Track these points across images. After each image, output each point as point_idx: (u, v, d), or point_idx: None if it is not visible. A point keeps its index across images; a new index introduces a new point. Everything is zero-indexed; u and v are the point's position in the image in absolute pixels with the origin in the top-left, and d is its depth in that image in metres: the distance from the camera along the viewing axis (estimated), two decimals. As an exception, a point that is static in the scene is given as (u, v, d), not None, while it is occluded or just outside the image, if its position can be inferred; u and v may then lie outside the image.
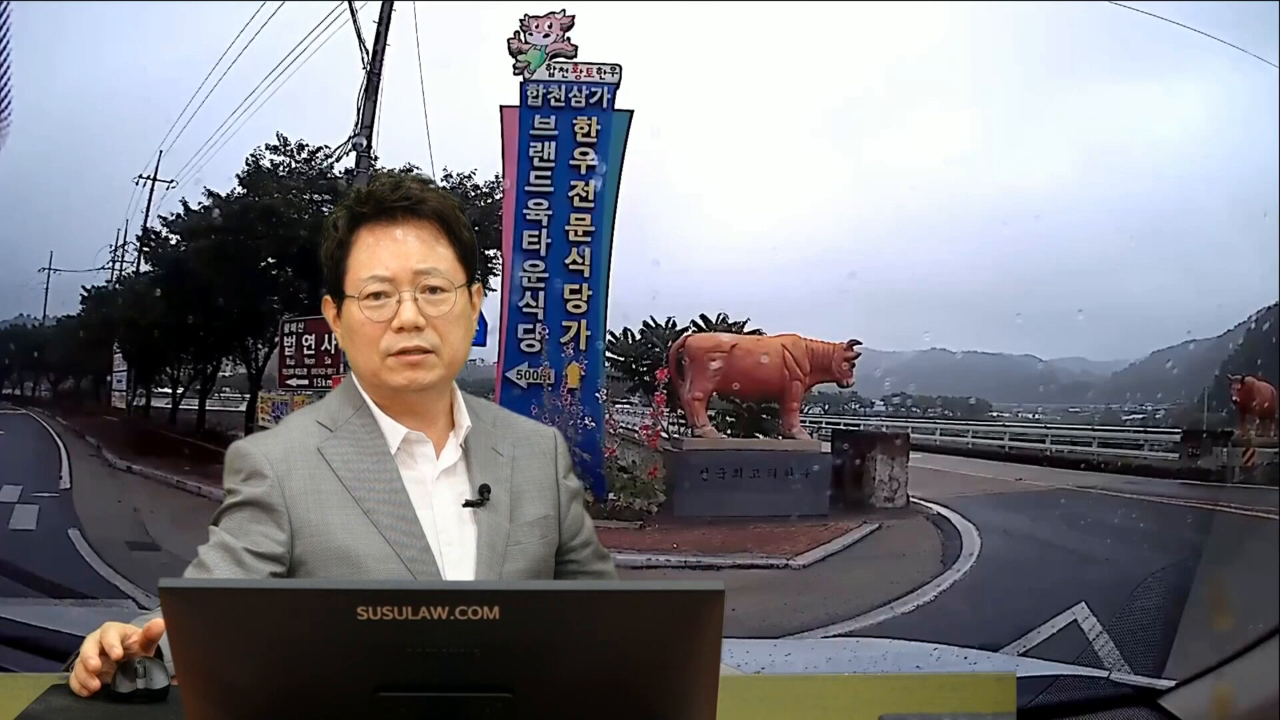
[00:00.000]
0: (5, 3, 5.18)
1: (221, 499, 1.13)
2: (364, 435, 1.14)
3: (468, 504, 1.14)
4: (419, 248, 1.12)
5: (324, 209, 10.89)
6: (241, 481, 1.10)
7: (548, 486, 1.22)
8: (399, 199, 1.12)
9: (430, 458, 1.15)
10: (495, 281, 9.82)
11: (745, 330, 12.26)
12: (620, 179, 9.51)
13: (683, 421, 11.09)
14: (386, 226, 1.12)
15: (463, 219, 1.16)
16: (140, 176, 14.46)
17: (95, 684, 0.94)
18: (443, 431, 1.17)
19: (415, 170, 10.62)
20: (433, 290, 1.12)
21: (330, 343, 9.89)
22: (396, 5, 10.30)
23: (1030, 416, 24.38)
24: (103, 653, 0.93)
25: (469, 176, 11.72)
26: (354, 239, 1.13)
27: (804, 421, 11.00)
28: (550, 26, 9.56)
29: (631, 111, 9.57)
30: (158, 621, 0.89)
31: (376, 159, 10.28)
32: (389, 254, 1.11)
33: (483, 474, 1.16)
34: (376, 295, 1.11)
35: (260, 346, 13.41)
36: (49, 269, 17.74)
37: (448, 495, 1.15)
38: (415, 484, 1.13)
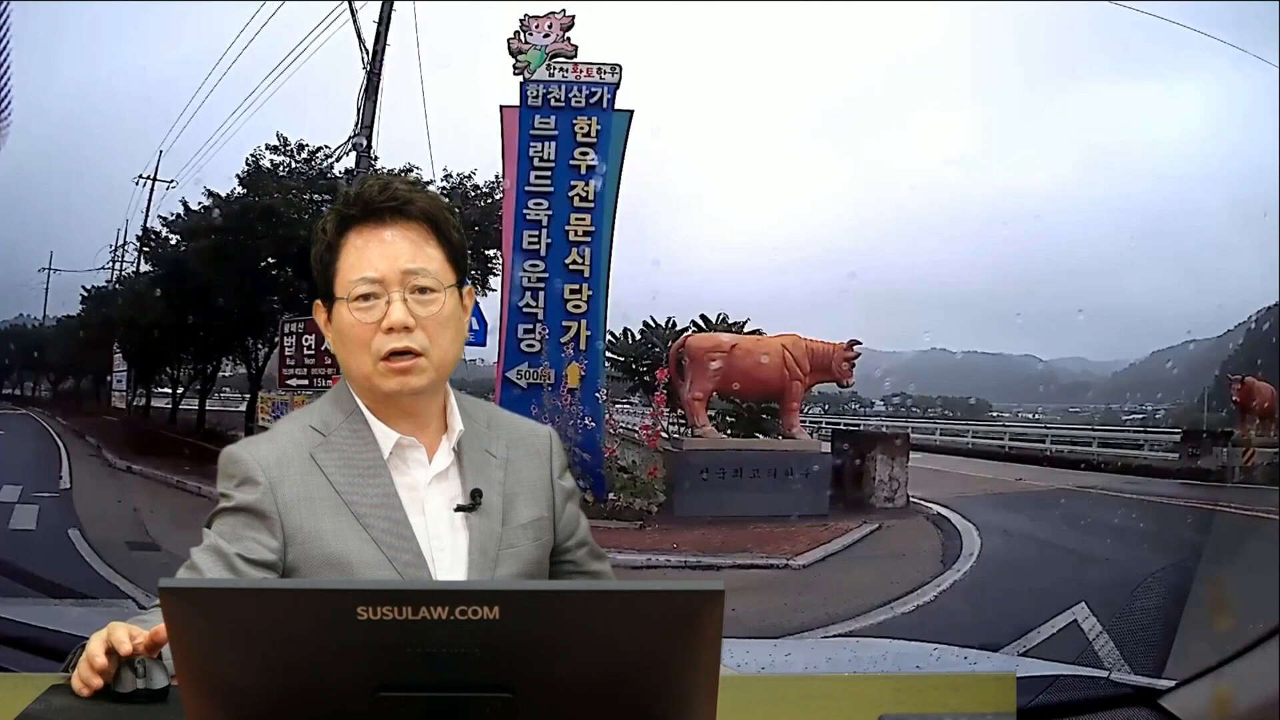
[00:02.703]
0: (5, 3, 5.17)
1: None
2: (356, 441, 1.14)
3: (459, 509, 1.14)
4: (408, 248, 1.11)
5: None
6: (235, 487, 1.10)
7: (542, 488, 1.21)
8: (386, 200, 1.12)
9: (422, 463, 1.15)
10: (495, 281, 9.85)
11: (745, 330, 12.25)
12: (620, 179, 9.52)
13: (683, 421, 11.09)
14: (375, 228, 1.12)
15: (452, 220, 1.16)
16: (140, 176, 14.48)
17: (98, 682, 0.94)
18: (435, 435, 1.17)
19: (415, 170, 10.65)
20: (422, 290, 1.11)
21: (330, 343, 9.87)
22: (396, 5, 10.31)
23: (1030, 416, 24.40)
24: (109, 651, 0.93)
25: (469, 176, 11.71)
26: (343, 242, 1.13)
27: (804, 421, 10.99)
28: (550, 26, 9.56)
29: (631, 111, 9.58)
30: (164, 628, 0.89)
31: (376, 159, 10.28)
32: (377, 255, 1.11)
33: (475, 478, 1.15)
34: (366, 297, 1.10)
35: (260, 346, 13.40)
36: (49, 269, 17.77)
37: (440, 500, 1.14)
38: (407, 490, 1.13)
